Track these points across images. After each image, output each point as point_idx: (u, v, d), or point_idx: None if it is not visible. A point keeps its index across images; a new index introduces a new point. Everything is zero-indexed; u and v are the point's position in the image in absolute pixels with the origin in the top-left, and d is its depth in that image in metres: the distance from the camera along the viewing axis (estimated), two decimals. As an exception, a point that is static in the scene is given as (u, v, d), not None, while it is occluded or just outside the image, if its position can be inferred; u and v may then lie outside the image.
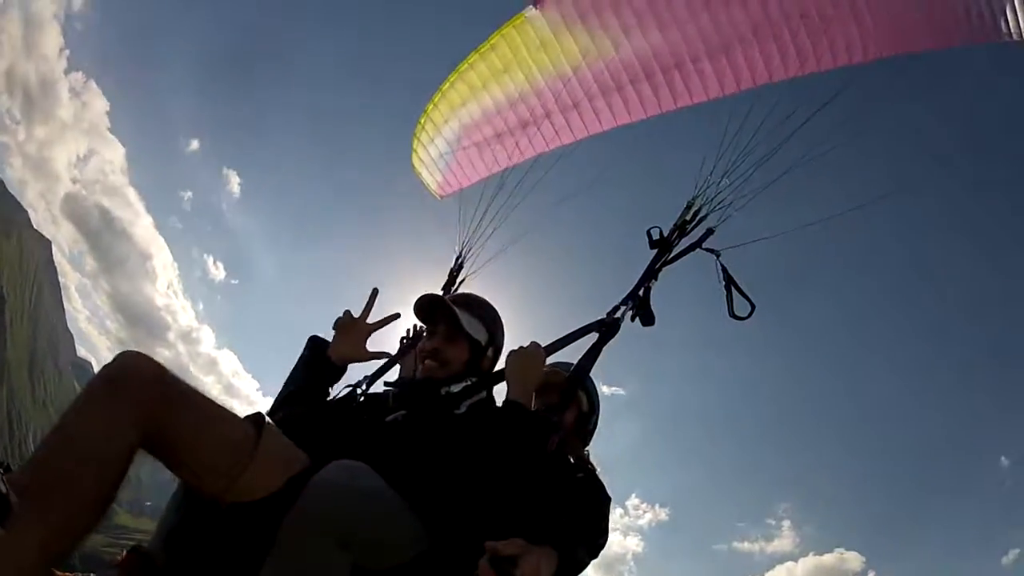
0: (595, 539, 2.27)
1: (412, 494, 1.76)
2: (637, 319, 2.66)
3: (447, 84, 4.29)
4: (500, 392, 2.34)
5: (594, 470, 2.68)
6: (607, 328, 2.53)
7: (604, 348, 2.48)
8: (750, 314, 2.81)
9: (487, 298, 2.56)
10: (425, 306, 2.39)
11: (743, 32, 3.77)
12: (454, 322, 2.31)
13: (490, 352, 2.42)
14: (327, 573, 1.55)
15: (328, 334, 2.53)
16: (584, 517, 2.28)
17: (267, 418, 1.87)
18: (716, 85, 3.86)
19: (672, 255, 2.89)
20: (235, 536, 1.68)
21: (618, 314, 2.60)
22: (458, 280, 3.59)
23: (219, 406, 1.74)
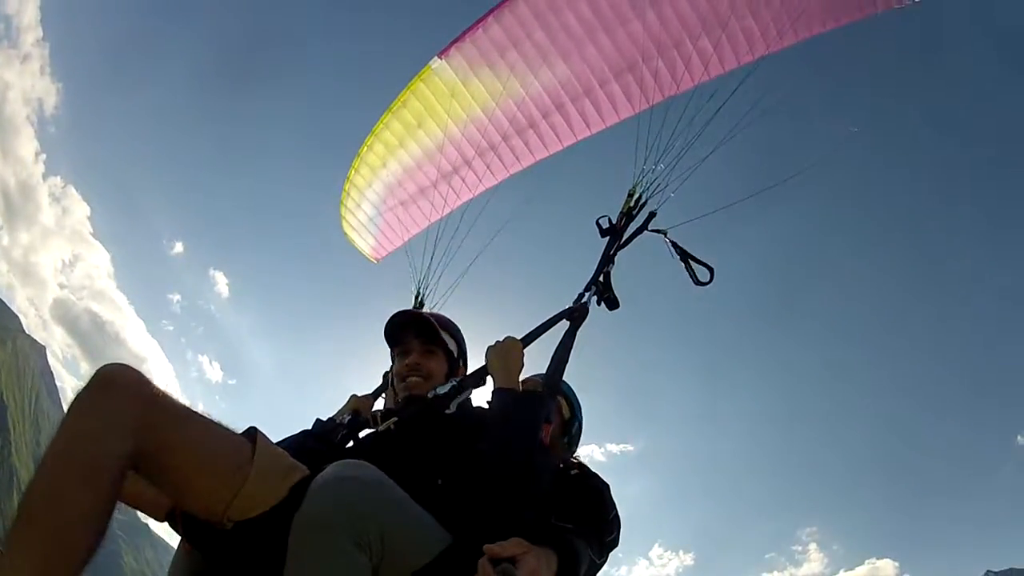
0: (603, 535, 2.18)
1: (419, 493, 1.68)
2: (603, 304, 2.77)
3: (364, 147, 4.25)
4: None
5: (584, 465, 2.58)
6: (576, 313, 2.57)
7: (576, 334, 2.52)
8: (711, 279, 2.92)
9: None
10: (399, 324, 2.35)
11: (645, 48, 3.76)
12: (430, 334, 2.31)
13: (461, 363, 2.44)
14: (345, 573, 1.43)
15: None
16: (586, 513, 2.20)
17: (259, 430, 1.78)
18: (626, 105, 3.83)
19: (623, 239, 3.02)
20: (245, 558, 1.58)
21: (584, 299, 2.67)
22: None
23: (209, 418, 1.63)
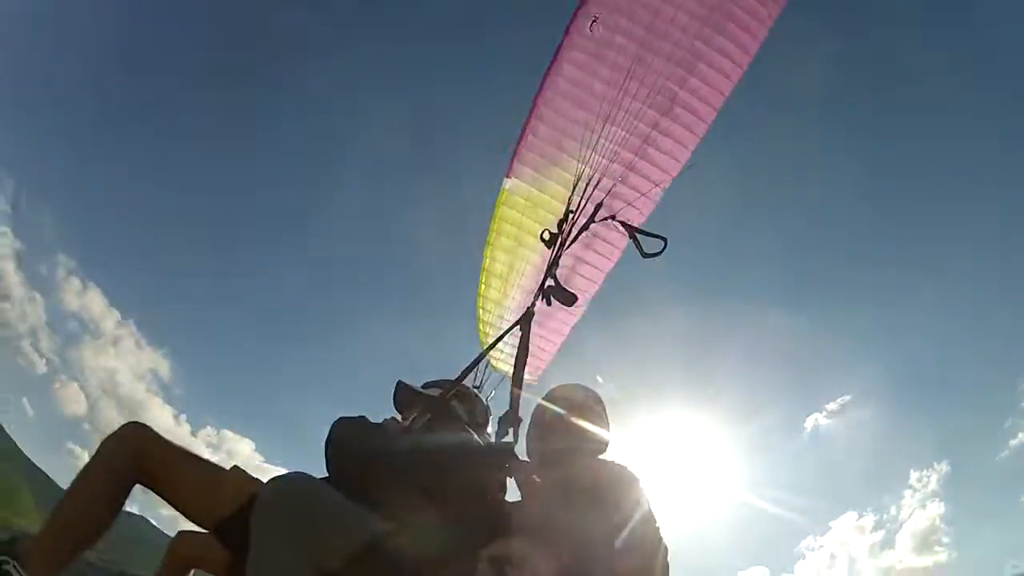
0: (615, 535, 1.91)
1: (352, 488, 1.86)
2: (558, 302, 3.13)
3: (481, 285, 4.46)
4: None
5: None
6: (524, 318, 2.96)
7: (529, 337, 2.92)
8: (663, 248, 3.17)
9: None
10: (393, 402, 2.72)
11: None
12: (402, 400, 2.63)
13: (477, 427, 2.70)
14: (281, 563, 1.61)
15: None
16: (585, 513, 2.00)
17: (239, 467, 2.13)
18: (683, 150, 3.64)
19: (568, 243, 3.35)
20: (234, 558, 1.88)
21: (532, 305, 3.05)
22: None
23: (205, 460, 2.05)
